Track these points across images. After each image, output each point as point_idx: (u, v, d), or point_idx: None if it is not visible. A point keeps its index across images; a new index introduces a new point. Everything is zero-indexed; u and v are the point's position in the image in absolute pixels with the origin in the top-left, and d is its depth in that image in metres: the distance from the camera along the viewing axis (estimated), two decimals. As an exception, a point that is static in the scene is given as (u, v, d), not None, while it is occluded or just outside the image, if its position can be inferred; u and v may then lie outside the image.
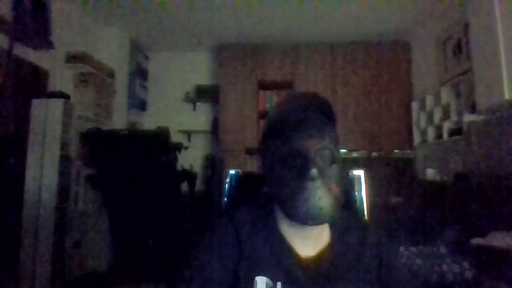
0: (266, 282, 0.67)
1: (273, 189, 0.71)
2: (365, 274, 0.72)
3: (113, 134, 2.97)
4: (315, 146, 0.67)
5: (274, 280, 0.67)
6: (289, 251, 0.71)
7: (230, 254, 0.71)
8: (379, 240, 0.77)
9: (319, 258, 0.71)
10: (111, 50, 3.82)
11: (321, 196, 0.64)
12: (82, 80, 3.31)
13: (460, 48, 2.91)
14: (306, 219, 0.65)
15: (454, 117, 2.92)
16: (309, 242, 0.73)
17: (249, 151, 3.87)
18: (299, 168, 0.66)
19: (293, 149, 0.68)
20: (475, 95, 2.47)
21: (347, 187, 0.95)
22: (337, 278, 0.69)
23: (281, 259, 0.70)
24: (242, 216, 0.76)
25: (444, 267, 1.84)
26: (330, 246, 0.74)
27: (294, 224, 0.69)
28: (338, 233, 0.75)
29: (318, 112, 0.73)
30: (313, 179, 0.64)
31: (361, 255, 0.74)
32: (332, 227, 0.76)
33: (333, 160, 0.69)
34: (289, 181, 0.67)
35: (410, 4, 3.30)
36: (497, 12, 2.16)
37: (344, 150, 3.85)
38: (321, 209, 0.64)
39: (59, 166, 2.60)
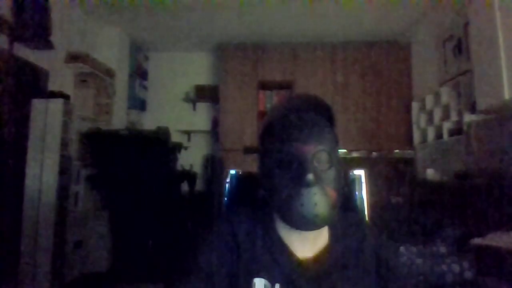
0: (264, 284, 0.67)
1: (268, 192, 0.70)
2: (363, 275, 0.72)
3: (113, 134, 2.98)
4: (312, 149, 0.66)
5: (273, 281, 0.67)
6: (287, 252, 0.71)
7: (228, 256, 0.70)
8: (378, 240, 0.77)
9: (317, 259, 0.71)
10: (111, 50, 3.82)
11: (317, 202, 0.63)
12: (82, 80, 3.31)
13: (460, 48, 2.91)
14: (301, 225, 0.65)
15: (454, 117, 2.91)
16: (307, 244, 0.72)
17: (247, 150, 3.86)
18: (295, 173, 0.65)
19: (290, 153, 0.66)
20: (475, 95, 2.47)
21: (347, 188, 0.94)
22: (336, 279, 0.69)
23: (279, 261, 0.70)
24: (240, 217, 0.75)
25: (444, 267, 1.84)
26: (329, 247, 0.73)
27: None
28: (337, 234, 0.75)
29: (317, 114, 0.72)
30: (309, 185, 0.63)
31: (360, 255, 0.73)
32: (331, 228, 0.76)
33: (331, 164, 0.67)
34: (284, 186, 0.65)
35: (410, 4, 3.30)
36: (497, 12, 2.15)
37: (344, 150, 3.85)
38: (316, 215, 0.63)
39: (59, 166, 2.60)
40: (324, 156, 0.67)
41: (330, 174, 0.67)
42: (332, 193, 0.65)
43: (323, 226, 0.69)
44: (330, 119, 0.74)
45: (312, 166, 0.65)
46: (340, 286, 0.69)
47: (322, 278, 0.69)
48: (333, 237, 0.75)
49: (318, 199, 0.63)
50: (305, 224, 0.64)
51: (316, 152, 0.66)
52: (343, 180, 0.70)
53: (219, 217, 0.78)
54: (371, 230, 0.79)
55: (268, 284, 0.67)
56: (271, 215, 0.74)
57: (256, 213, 0.76)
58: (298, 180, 0.64)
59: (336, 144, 0.71)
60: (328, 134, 0.70)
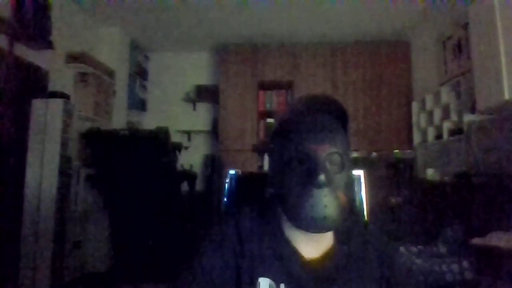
0: (269, 284, 0.66)
1: (277, 191, 0.69)
2: (367, 275, 0.72)
3: (113, 134, 2.97)
4: (326, 150, 0.65)
5: (278, 281, 0.67)
6: (293, 252, 0.70)
7: (232, 255, 0.70)
8: (381, 240, 0.77)
9: (322, 259, 0.71)
10: (111, 50, 3.82)
11: (327, 204, 0.62)
12: (82, 80, 3.31)
13: (460, 48, 2.91)
14: (309, 227, 0.64)
15: (454, 117, 2.91)
16: (312, 244, 0.72)
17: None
18: (307, 173, 0.64)
19: (302, 152, 0.66)
20: (475, 95, 2.47)
21: (353, 192, 0.94)
22: (341, 280, 0.69)
23: (284, 261, 0.69)
24: (244, 216, 0.74)
25: (444, 267, 1.84)
26: (334, 248, 0.73)
27: None
28: (341, 235, 0.75)
29: (332, 116, 0.72)
30: (320, 186, 0.62)
31: (364, 256, 0.73)
32: (336, 229, 0.75)
33: (343, 167, 0.67)
34: (295, 185, 0.65)
35: (410, 4, 3.30)
36: (497, 12, 2.16)
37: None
38: (325, 217, 0.62)
39: (59, 166, 2.60)
40: (337, 159, 0.67)
41: (342, 177, 0.66)
42: (342, 197, 0.65)
43: (331, 230, 0.68)
44: (344, 122, 0.73)
45: (325, 167, 0.64)
46: (344, 286, 0.69)
47: (327, 278, 0.68)
48: (337, 238, 0.74)
49: (328, 201, 0.62)
50: (313, 226, 0.63)
51: (329, 154, 0.66)
52: (352, 183, 0.70)
53: (224, 215, 0.78)
54: (374, 231, 0.79)
55: (273, 284, 0.67)
56: (277, 215, 0.74)
57: (261, 212, 0.76)
58: (309, 181, 0.63)
59: (348, 147, 0.70)
60: (342, 137, 0.69)
